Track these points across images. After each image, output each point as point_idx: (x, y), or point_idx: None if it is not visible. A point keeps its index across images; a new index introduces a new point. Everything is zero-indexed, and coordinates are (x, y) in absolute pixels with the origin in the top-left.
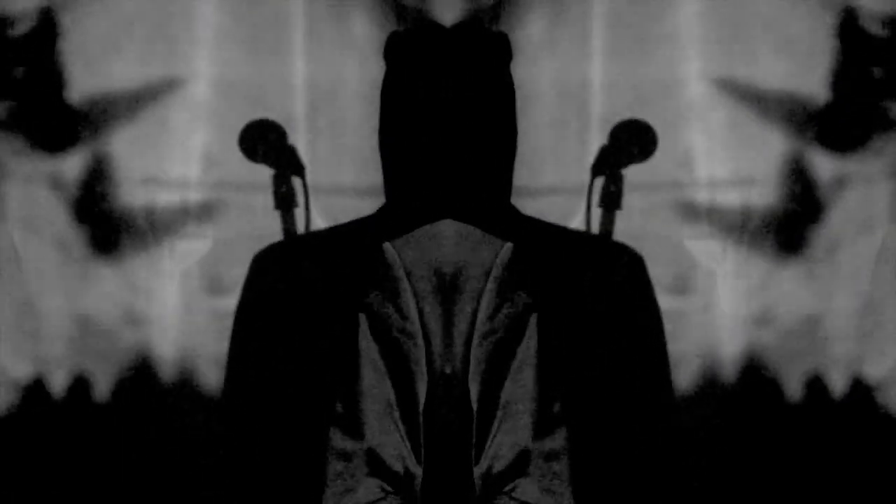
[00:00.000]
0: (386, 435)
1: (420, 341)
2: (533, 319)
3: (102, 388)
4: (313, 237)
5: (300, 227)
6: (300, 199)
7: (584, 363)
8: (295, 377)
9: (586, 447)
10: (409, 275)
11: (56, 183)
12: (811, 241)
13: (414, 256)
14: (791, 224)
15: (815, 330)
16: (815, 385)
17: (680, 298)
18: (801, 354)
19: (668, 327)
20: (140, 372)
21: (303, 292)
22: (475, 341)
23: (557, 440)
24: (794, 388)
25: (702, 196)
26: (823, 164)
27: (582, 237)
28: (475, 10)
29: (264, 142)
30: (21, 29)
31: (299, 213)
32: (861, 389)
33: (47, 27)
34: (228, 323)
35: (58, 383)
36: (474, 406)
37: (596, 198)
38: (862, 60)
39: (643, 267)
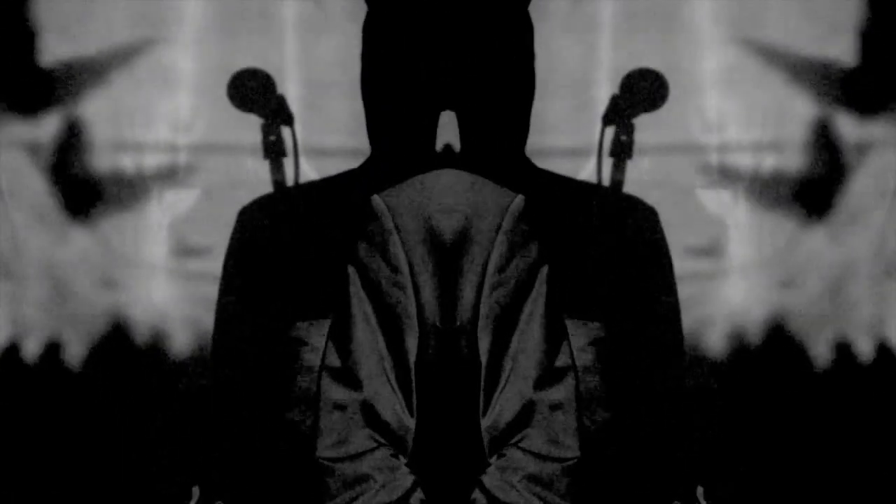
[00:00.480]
0: (379, 387)
1: (410, 293)
2: (543, 271)
3: (75, 352)
4: (300, 189)
5: (289, 177)
6: (289, 148)
7: (594, 315)
8: (284, 330)
9: (594, 400)
10: (398, 227)
11: (31, 147)
12: (837, 205)
13: (404, 208)
14: (817, 188)
15: (841, 294)
16: (842, 350)
17: (705, 261)
18: (827, 319)
19: (694, 290)
20: (113, 336)
21: (291, 245)
22: (485, 293)
23: (563, 391)
24: (820, 352)
25: (727, 159)
26: (849, 128)
27: (596, 190)
28: None
29: (252, 90)
30: None
31: (288, 163)
32: (887, 354)
33: None
34: (202, 286)
35: (31, 348)
36: (483, 359)
37: (607, 147)
38: (890, 23)
39: (657, 220)
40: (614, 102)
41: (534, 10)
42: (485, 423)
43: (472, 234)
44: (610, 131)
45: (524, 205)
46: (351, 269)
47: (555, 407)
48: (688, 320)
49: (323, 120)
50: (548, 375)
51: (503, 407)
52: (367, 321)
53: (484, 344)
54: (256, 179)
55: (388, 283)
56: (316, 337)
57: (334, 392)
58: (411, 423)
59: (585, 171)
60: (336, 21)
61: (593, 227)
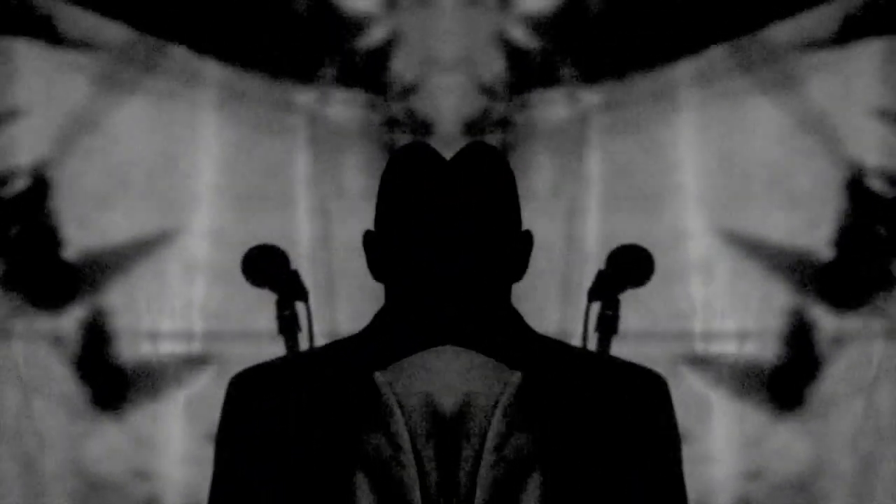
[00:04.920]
0: None
1: (413, 473)
2: (537, 473)
3: None
4: (295, 360)
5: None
6: (304, 323)
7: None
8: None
9: None
10: (401, 404)
11: (56, 340)
12: (808, 397)
13: (406, 385)
14: (789, 379)
15: (809, 487)
16: None
17: None
18: None
19: None
20: None
21: (288, 421)
22: (482, 471)
23: None
24: None
25: (702, 347)
26: (824, 321)
27: (599, 360)
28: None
29: (266, 265)
30: (14, 188)
31: (303, 338)
32: None
33: (39, 185)
34: None
35: None
36: None
37: (592, 323)
38: (867, 218)
39: (661, 392)
40: (600, 277)
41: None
42: None
43: (470, 411)
44: (595, 307)
45: (522, 381)
46: (353, 450)
47: None
48: None
49: (339, 305)
50: None
51: None
52: (369, 502)
53: None
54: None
55: (390, 461)
56: None
57: None
58: None
59: None
60: (356, 205)
61: (597, 405)
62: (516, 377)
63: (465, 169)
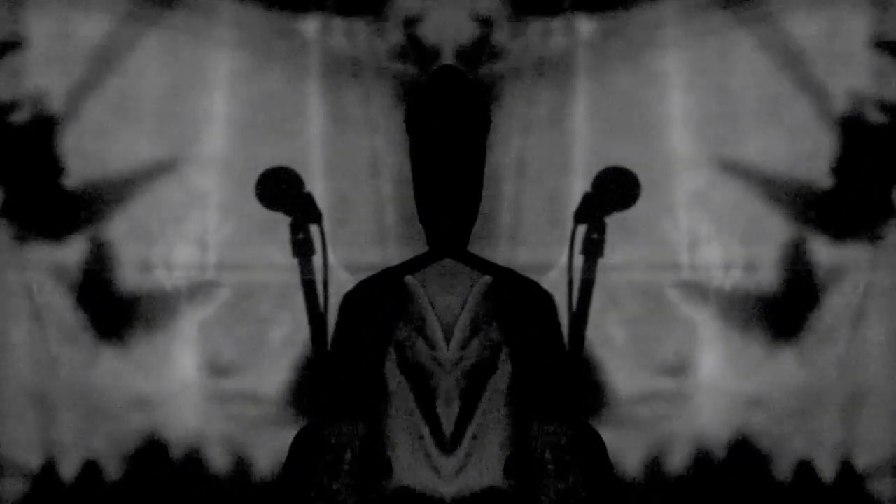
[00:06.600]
0: (417, 467)
1: (450, 368)
2: (504, 353)
3: (113, 470)
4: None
5: (318, 274)
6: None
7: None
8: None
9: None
10: (433, 305)
11: (58, 270)
12: (807, 326)
13: (436, 287)
14: (788, 309)
15: (807, 414)
16: (805, 468)
17: (676, 379)
18: (791, 437)
19: (664, 407)
20: (149, 453)
21: (359, 328)
22: (447, 367)
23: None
24: (783, 470)
25: (701, 278)
26: (824, 251)
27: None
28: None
29: (280, 188)
30: (17, 117)
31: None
32: (850, 475)
33: (44, 115)
34: (232, 403)
35: (68, 468)
36: (447, 429)
37: (578, 245)
38: (866, 148)
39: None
40: (586, 199)
41: (514, 119)
42: (448, 490)
43: (445, 311)
44: (581, 230)
45: (489, 286)
46: (390, 351)
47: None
48: (654, 435)
49: (349, 234)
50: (517, 462)
51: (466, 484)
52: (405, 400)
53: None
54: (280, 292)
55: (427, 359)
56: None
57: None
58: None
59: (556, 269)
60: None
61: (537, 308)
62: (484, 280)
63: (448, 98)
